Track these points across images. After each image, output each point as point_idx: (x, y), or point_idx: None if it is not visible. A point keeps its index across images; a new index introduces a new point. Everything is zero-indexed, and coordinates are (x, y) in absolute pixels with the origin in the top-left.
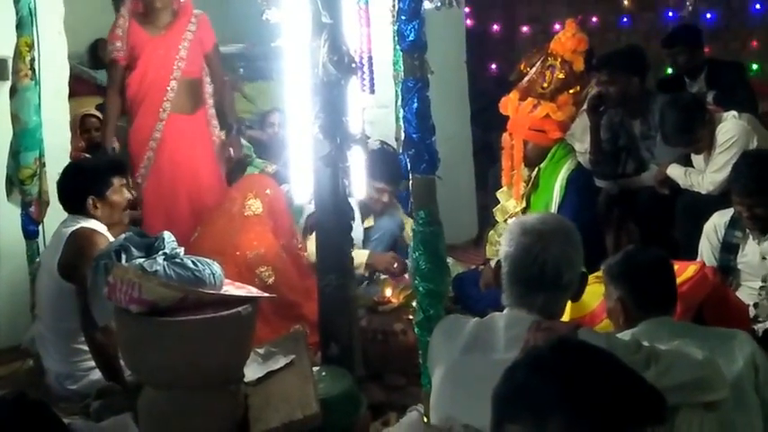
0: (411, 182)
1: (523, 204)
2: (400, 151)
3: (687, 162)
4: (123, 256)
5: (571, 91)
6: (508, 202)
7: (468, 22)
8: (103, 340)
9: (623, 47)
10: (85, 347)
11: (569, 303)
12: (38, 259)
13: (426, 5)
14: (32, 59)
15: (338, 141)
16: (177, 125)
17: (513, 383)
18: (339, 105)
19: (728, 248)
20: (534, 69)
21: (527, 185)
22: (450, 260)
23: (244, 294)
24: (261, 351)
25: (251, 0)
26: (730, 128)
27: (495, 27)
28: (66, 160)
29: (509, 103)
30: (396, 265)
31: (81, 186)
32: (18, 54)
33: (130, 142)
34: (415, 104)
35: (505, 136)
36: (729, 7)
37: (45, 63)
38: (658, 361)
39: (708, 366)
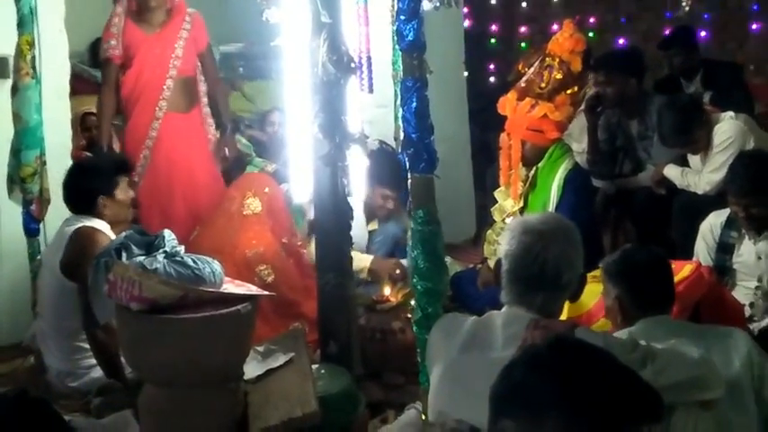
0: (410, 181)
1: (521, 204)
2: (399, 151)
3: (684, 162)
4: (124, 254)
5: (569, 91)
6: (506, 202)
7: (467, 22)
8: (104, 338)
9: (622, 48)
10: (86, 345)
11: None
12: (39, 257)
13: (425, 5)
14: (33, 58)
15: (337, 140)
16: (173, 124)
17: (510, 381)
18: (338, 105)
19: (724, 248)
20: (532, 69)
21: (525, 185)
22: (448, 259)
23: (243, 292)
24: (260, 349)
25: None
26: (727, 128)
27: (494, 27)
28: (67, 158)
29: (507, 103)
30: (398, 272)
31: (91, 187)
32: (19, 52)
33: (126, 141)
34: (414, 104)
35: (503, 136)
36: (726, 8)
37: (46, 61)
38: (655, 360)
39: (704, 365)
